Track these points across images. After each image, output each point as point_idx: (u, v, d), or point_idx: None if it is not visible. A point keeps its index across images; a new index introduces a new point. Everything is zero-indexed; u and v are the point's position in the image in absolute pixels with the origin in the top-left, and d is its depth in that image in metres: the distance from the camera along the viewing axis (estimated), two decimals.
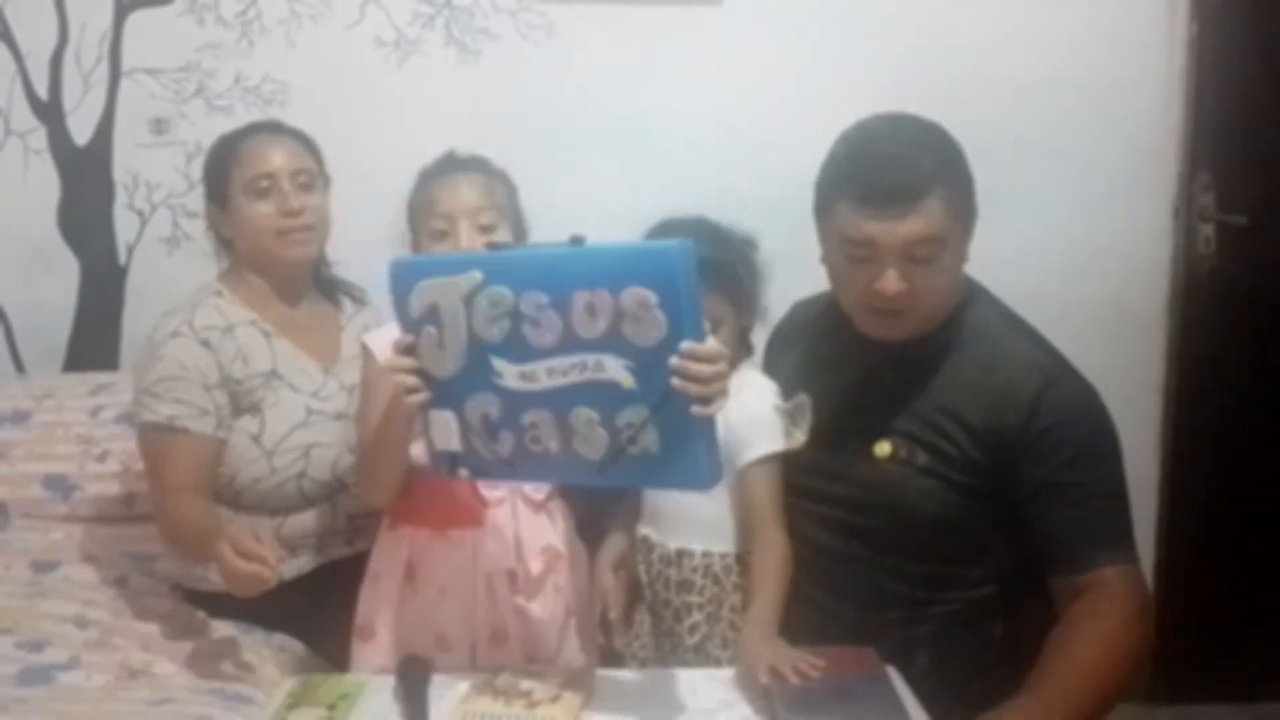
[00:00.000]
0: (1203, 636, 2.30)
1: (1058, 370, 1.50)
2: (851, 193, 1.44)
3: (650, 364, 1.20)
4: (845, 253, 1.48)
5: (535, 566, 1.50)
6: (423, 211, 1.55)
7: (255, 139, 1.81)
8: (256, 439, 1.73)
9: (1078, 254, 2.37)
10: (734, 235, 1.64)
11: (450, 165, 1.59)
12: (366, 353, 1.53)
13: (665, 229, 1.57)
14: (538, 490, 1.51)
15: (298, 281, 1.86)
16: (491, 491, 1.47)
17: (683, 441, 1.22)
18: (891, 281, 1.44)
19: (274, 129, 1.86)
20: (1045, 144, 2.30)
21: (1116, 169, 2.38)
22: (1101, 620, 1.41)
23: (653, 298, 1.19)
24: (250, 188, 1.77)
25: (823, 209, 1.51)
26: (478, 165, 1.60)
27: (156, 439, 1.68)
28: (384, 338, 1.45)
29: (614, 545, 1.67)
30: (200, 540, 1.54)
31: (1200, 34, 2.32)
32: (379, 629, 1.50)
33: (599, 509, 1.72)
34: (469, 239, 1.50)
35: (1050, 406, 1.45)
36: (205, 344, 1.71)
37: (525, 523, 1.50)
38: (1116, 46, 2.34)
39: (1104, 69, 2.34)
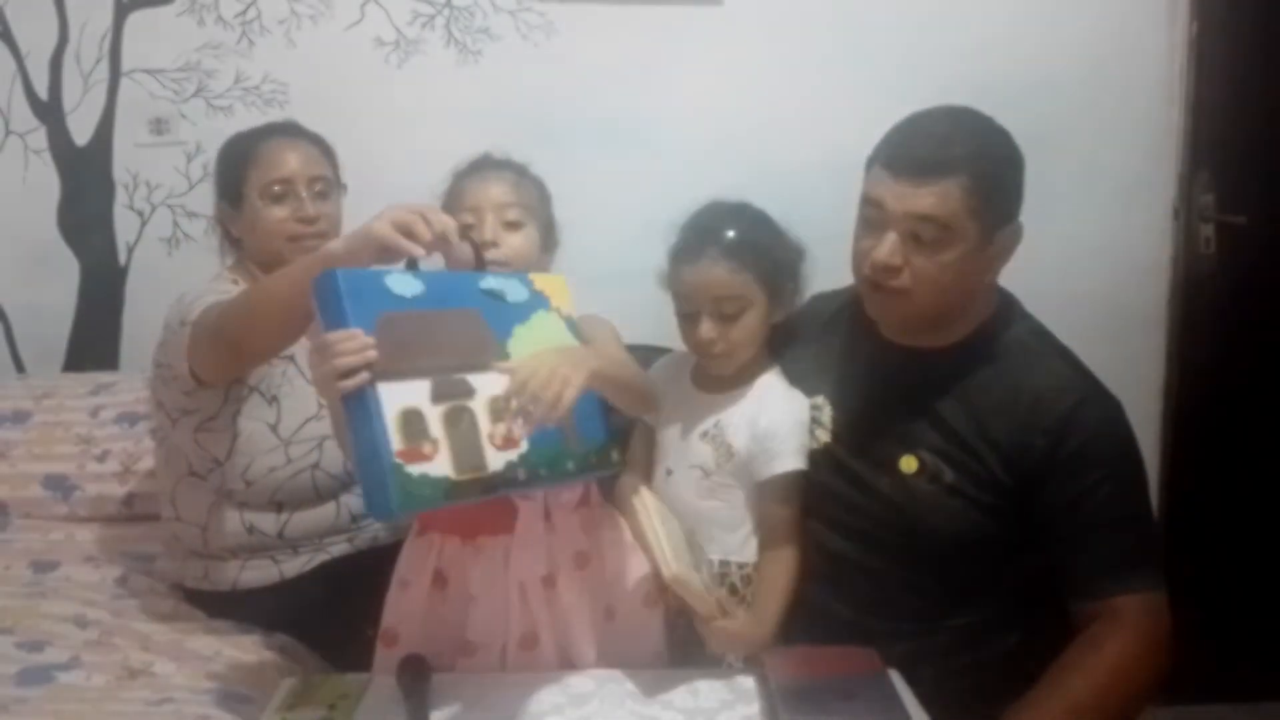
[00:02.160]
0: (1203, 636, 2.30)
1: (1088, 390, 1.47)
2: (881, 157, 1.45)
3: None
4: (860, 214, 1.48)
5: (569, 573, 1.49)
6: (451, 207, 1.53)
7: (274, 141, 1.81)
8: (274, 428, 1.73)
9: (1078, 254, 2.37)
10: (779, 226, 1.59)
11: (483, 164, 1.59)
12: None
13: (709, 211, 1.57)
14: (570, 495, 1.51)
15: None
16: (521, 499, 1.46)
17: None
18: (887, 248, 1.42)
19: (293, 132, 1.86)
20: (1045, 144, 2.27)
21: (1116, 169, 2.38)
22: (1105, 652, 1.38)
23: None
24: (266, 191, 1.77)
25: (865, 175, 1.51)
26: (510, 165, 1.60)
27: (205, 319, 1.60)
28: None
29: None
30: (293, 272, 1.47)
31: (1201, 34, 2.32)
32: (402, 634, 1.48)
33: None
34: (493, 232, 1.49)
35: (1078, 429, 1.43)
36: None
37: (558, 528, 1.48)
38: (1116, 46, 2.34)
39: (1104, 69, 2.34)
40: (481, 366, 1.31)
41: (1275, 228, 2.36)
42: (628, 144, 2.31)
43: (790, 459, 1.53)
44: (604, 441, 1.44)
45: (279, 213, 1.77)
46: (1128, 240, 2.40)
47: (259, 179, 1.78)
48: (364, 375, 1.21)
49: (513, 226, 1.52)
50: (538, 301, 1.42)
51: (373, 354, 1.21)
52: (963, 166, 1.40)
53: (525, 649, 1.46)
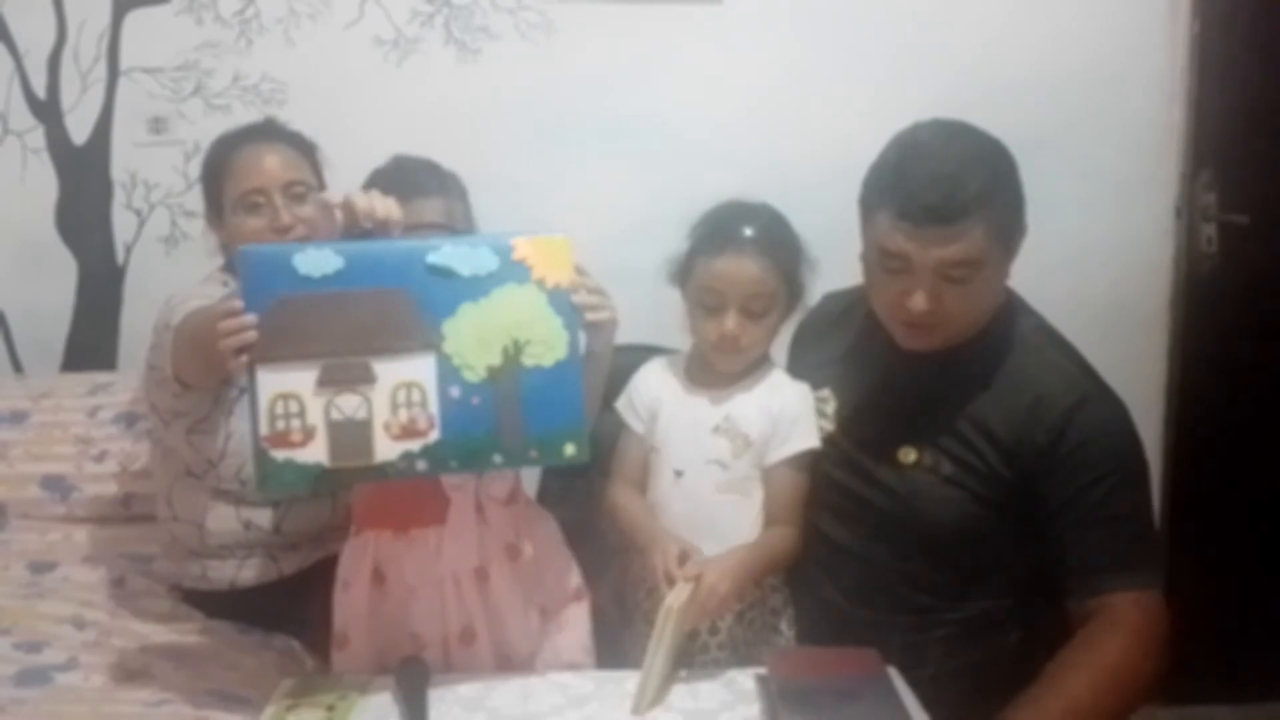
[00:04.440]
0: (1204, 637, 2.29)
1: (1091, 389, 1.48)
2: (893, 204, 1.41)
3: None
4: (881, 262, 1.45)
5: (500, 565, 1.50)
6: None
7: (248, 149, 1.78)
8: None
9: (1079, 254, 2.36)
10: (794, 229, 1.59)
11: (394, 180, 1.48)
12: None
13: (736, 208, 1.55)
14: (501, 488, 1.51)
15: None
16: (454, 490, 1.46)
17: None
18: (919, 301, 1.42)
19: (268, 134, 1.84)
20: (1046, 144, 2.29)
21: (1118, 168, 2.38)
22: (1101, 649, 1.39)
23: None
24: (241, 203, 1.74)
25: (866, 210, 1.48)
26: (427, 185, 1.52)
27: (185, 326, 1.56)
28: None
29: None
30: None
31: (1202, 33, 2.32)
32: (352, 635, 1.49)
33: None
34: None
35: (1080, 426, 1.43)
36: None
37: (490, 520, 1.49)
38: (1117, 46, 2.34)
39: (1105, 68, 2.34)
40: (395, 350, 1.29)
41: (1278, 227, 2.36)
42: (628, 143, 2.30)
43: (806, 438, 1.55)
44: (562, 430, 1.35)
45: (255, 223, 1.74)
46: (1129, 240, 2.40)
47: (234, 190, 1.75)
48: (242, 359, 1.24)
49: None
50: (511, 273, 1.33)
51: (251, 336, 1.23)
52: (981, 202, 1.39)
53: (465, 644, 1.47)
